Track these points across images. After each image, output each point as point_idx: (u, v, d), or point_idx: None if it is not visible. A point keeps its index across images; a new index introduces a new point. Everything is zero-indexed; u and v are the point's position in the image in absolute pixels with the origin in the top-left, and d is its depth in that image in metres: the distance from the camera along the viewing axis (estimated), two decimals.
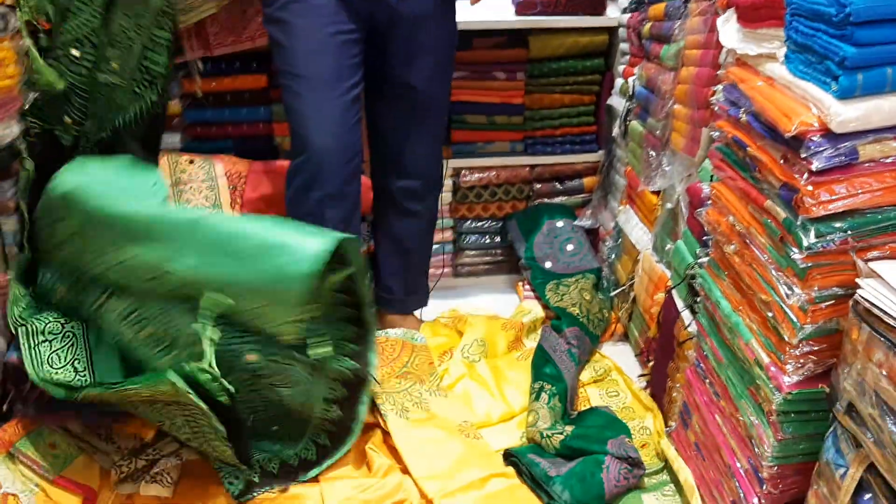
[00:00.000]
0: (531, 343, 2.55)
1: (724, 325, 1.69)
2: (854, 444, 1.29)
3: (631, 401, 2.30)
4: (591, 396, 2.33)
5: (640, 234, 2.52)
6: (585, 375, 2.38)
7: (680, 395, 2.02)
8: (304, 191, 2.16)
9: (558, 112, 2.91)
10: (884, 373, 1.18)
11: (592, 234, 3.05)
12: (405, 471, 1.98)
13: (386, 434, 2.10)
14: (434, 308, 2.77)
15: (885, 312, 1.20)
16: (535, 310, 2.68)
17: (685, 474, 1.90)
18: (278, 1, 2.09)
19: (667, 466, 2.03)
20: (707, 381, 1.82)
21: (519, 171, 2.94)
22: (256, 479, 1.86)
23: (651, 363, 2.35)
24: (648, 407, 2.25)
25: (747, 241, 1.57)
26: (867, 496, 1.25)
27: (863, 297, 1.26)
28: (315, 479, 1.94)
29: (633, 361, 2.56)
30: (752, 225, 1.55)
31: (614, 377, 2.41)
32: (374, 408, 2.17)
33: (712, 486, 1.79)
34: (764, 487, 1.55)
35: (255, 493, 1.86)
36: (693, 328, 1.97)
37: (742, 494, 1.63)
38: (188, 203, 2.44)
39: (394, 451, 2.05)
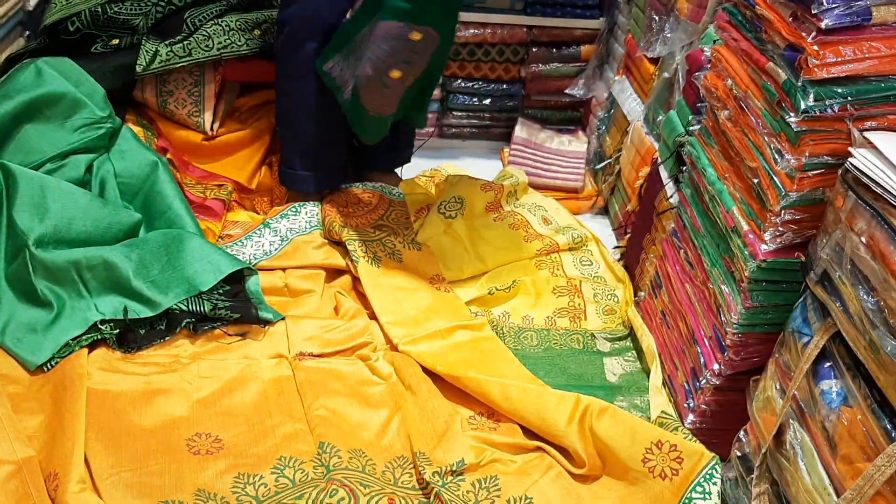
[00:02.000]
0: (510, 207, 2.52)
1: (707, 193, 1.66)
2: (822, 315, 1.28)
3: (604, 270, 2.29)
4: (564, 263, 2.31)
5: (633, 104, 2.45)
6: (561, 240, 2.35)
7: (653, 266, 2.01)
8: None
9: None
10: (863, 240, 1.16)
11: (584, 106, 2.97)
12: (372, 316, 1.98)
13: (356, 280, 2.09)
14: (416, 167, 2.72)
15: (874, 181, 1.17)
16: (518, 175, 2.63)
17: (648, 341, 1.91)
18: None
19: (631, 334, 2.04)
20: (682, 251, 1.80)
21: (516, 32, 2.82)
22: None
23: (628, 236, 2.34)
24: (620, 278, 2.25)
25: (743, 105, 1.52)
26: (827, 364, 1.25)
27: (853, 166, 1.22)
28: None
29: (610, 234, 2.55)
30: (749, 88, 1.49)
31: (591, 247, 2.39)
32: (345, 253, 2.16)
33: (674, 354, 1.81)
34: (725, 354, 1.56)
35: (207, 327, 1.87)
36: (674, 199, 1.94)
37: (703, 361, 1.64)
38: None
39: (362, 298, 2.05)
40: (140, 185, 2.05)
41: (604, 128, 2.72)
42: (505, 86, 2.95)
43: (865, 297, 1.14)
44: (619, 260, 2.34)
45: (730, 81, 1.58)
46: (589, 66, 2.91)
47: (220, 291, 1.87)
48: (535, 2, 2.79)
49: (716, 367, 1.59)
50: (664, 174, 2.04)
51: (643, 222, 2.16)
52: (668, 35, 2.14)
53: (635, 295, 2.14)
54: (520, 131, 2.91)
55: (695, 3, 2.04)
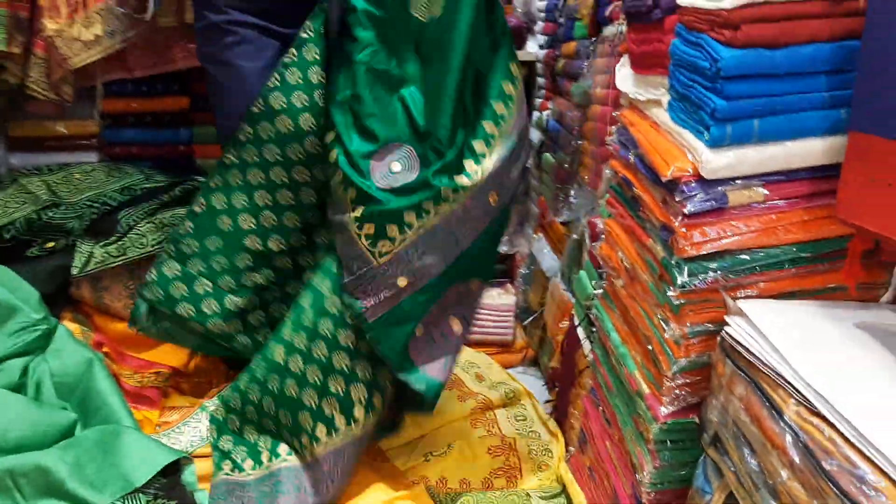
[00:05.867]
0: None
1: (614, 355, 1.77)
2: (718, 473, 1.37)
3: (538, 425, 2.36)
4: (499, 419, 2.38)
5: (550, 262, 2.60)
6: (495, 396, 2.43)
7: (578, 422, 2.08)
8: None
9: None
10: (742, 407, 1.26)
11: (509, 260, 3.12)
12: None
13: None
14: None
15: (746, 349, 1.28)
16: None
17: (580, 499, 1.96)
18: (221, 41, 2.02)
19: (565, 490, 2.09)
20: (600, 408, 1.89)
21: None
22: None
23: (556, 390, 2.42)
24: (553, 432, 2.31)
25: (633, 276, 1.65)
26: None
27: (728, 334, 1.34)
28: None
29: (541, 387, 2.63)
30: (636, 261, 1.63)
31: (524, 402, 2.46)
32: None
33: None
34: None
35: None
36: (591, 357, 2.04)
37: None
38: None
39: None
40: (76, 384, 2.10)
41: (527, 284, 2.85)
42: None
43: (749, 459, 1.23)
44: (551, 414, 2.41)
45: (620, 253, 1.71)
46: (511, 222, 3.08)
47: (157, 484, 1.89)
48: None
49: None
50: (581, 332, 2.15)
51: (567, 377, 2.26)
52: (573, 201, 2.31)
53: (566, 450, 2.20)
54: None
55: (593, 173, 2.22)
